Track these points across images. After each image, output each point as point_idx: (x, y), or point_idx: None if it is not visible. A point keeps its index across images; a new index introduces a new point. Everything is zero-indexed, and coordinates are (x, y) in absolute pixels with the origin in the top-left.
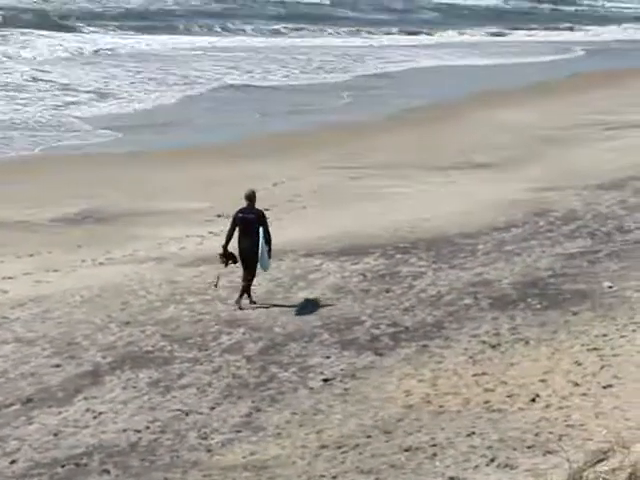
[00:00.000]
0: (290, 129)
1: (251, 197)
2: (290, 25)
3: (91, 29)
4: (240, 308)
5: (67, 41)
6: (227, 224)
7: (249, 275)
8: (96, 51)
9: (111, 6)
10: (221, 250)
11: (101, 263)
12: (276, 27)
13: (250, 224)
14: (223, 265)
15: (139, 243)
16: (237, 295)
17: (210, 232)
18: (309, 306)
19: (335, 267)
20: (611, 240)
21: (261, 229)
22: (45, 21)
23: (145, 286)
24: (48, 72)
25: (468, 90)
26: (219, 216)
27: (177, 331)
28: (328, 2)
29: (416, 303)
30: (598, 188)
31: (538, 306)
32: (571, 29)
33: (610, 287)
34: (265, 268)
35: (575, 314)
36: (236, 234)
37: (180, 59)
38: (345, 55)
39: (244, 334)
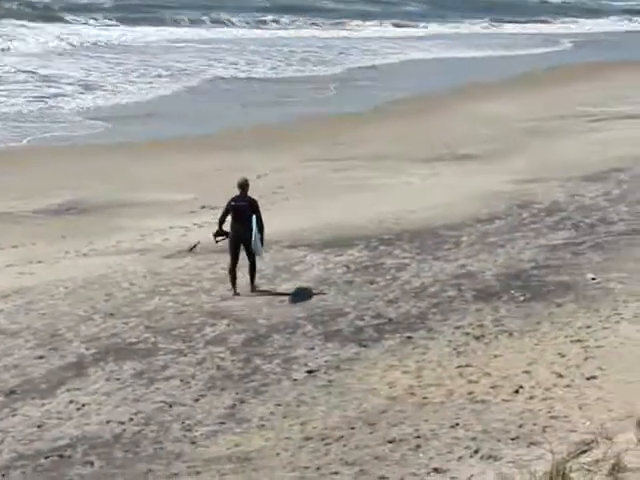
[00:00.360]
0: (275, 121)
1: (243, 185)
2: (275, 17)
3: (76, 19)
4: (253, 289)
5: (51, 33)
6: (212, 214)
7: (234, 262)
8: (81, 43)
9: None
10: (214, 233)
11: (85, 254)
12: (262, 18)
13: (242, 212)
14: (215, 242)
15: (123, 234)
16: (250, 285)
17: (194, 224)
18: (293, 297)
19: (319, 259)
20: (594, 232)
21: (254, 217)
22: (29, 11)
23: (129, 278)
24: (32, 64)
25: (453, 82)
26: (203, 207)
27: (161, 323)
28: None
29: (400, 295)
30: (582, 180)
31: (521, 298)
32: (559, 21)
33: (593, 279)
34: (258, 254)
35: (559, 306)
36: (228, 222)
37: (164, 51)
38: (330, 47)
39: (228, 326)
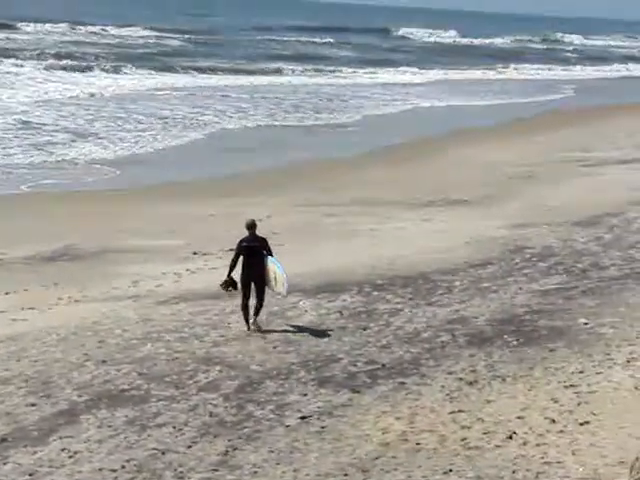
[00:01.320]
0: (268, 167)
1: (252, 226)
2: (275, 65)
3: (70, 66)
4: (259, 329)
5: (46, 82)
6: (204, 260)
7: (246, 300)
8: (78, 93)
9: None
10: (224, 279)
11: (77, 301)
12: (256, 65)
13: (255, 252)
14: (226, 291)
15: (116, 281)
16: (253, 317)
17: (187, 269)
18: (286, 343)
19: (312, 304)
20: (587, 277)
21: (268, 257)
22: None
23: (121, 324)
24: (28, 113)
25: (447, 128)
26: (195, 254)
27: (153, 369)
28: (320, 41)
29: (393, 340)
30: (574, 225)
31: (514, 343)
32: (561, 67)
33: (586, 324)
34: (284, 293)
35: (551, 351)
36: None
37: (159, 99)
38: (324, 94)
39: (221, 372)
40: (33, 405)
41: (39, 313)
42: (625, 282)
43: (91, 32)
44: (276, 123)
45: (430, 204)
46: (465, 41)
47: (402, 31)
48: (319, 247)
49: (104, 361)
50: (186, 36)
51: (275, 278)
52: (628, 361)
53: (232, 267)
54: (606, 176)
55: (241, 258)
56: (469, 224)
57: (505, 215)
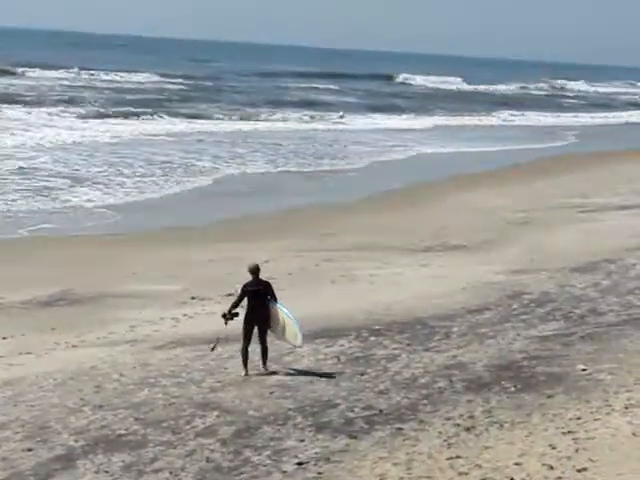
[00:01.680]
0: (267, 212)
1: (256, 270)
2: (276, 110)
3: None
4: (265, 370)
5: (45, 127)
6: (201, 305)
7: (247, 343)
8: (78, 139)
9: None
10: (224, 314)
11: (74, 346)
12: (256, 110)
13: (259, 296)
14: (224, 323)
15: (113, 325)
16: (263, 363)
17: (184, 314)
18: (283, 388)
19: (309, 349)
20: (585, 323)
21: (278, 305)
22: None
23: (118, 369)
24: (27, 158)
25: (446, 174)
26: (193, 298)
27: (150, 414)
28: (322, 86)
29: (390, 386)
30: (572, 270)
31: (512, 389)
32: (565, 113)
33: (584, 370)
34: (299, 343)
35: (549, 397)
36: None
37: (154, 145)
38: (321, 140)
39: (218, 417)
40: (30, 450)
41: (36, 358)
42: (623, 328)
43: (93, 78)
44: (277, 169)
45: (428, 249)
46: (469, 88)
47: (404, 77)
48: (317, 292)
49: (101, 406)
50: (187, 81)
51: (284, 327)
52: (626, 407)
53: (235, 305)
54: (604, 222)
55: (245, 300)
56: (467, 269)
57: (503, 260)
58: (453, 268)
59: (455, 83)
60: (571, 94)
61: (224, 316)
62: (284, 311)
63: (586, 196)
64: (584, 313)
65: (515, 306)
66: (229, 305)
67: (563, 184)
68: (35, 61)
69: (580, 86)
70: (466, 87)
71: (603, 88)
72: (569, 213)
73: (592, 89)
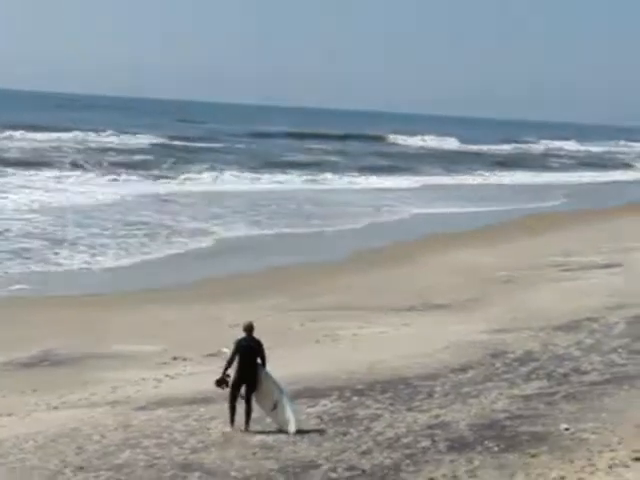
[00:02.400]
0: (250, 271)
1: (250, 328)
2: (267, 170)
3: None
4: (247, 430)
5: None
6: (182, 365)
7: (234, 400)
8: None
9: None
10: (220, 377)
11: (55, 407)
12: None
13: (250, 354)
14: (221, 388)
15: (94, 387)
16: (245, 425)
17: (166, 375)
18: (266, 449)
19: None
20: (568, 382)
21: (271, 380)
22: None
23: (100, 430)
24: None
25: (427, 233)
26: (175, 359)
27: (132, 476)
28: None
29: (373, 446)
30: (555, 329)
31: (496, 449)
32: (556, 173)
33: (567, 429)
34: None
35: (533, 456)
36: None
37: (130, 207)
38: (313, 200)
39: (200, 478)
40: None
41: (17, 419)
42: (606, 387)
43: (81, 139)
44: (263, 231)
45: (411, 309)
46: (464, 148)
47: (395, 138)
48: (299, 352)
49: (82, 467)
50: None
51: (276, 408)
52: (610, 467)
53: (229, 365)
54: (587, 280)
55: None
56: (450, 328)
57: (486, 319)
58: (436, 327)
59: (449, 144)
60: (563, 153)
61: (219, 382)
62: (280, 389)
63: (569, 254)
64: (567, 372)
65: (498, 365)
66: (223, 367)
67: (546, 242)
68: (35, 123)
69: (573, 146)
70: (462, 147)
71: (597, 147)
72: (552, 272)
73: (584, 148)
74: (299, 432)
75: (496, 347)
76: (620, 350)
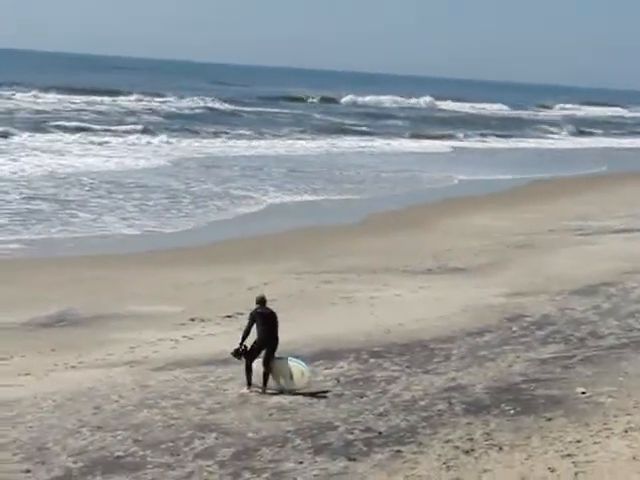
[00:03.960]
0: (267, 233)
1: (263, 299)
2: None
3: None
4: (265, 391)
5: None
6: (201, 326)
7: (251, 362)
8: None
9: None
10: (237, 347)
11: (73, 367)
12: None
13: (269, 319)
14: (237, 358)
15: (112, 347)
16: (263, 386)
17: (184, 336)
18: (282, 410)
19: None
20: (584, 345)
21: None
22: None
23: (117, 390)
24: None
25: (443, 197)
26: (192, 320)
27: (149, 436)
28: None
29: (390, 408)
30: (572, 293)
31: (512, 412)
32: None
33: (583, 393)
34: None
35: (549, 420)
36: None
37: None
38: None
39: (217, 439)
40: (28, 471)
41: (35, 379)
42: (623, 351)
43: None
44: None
45: (428, 272)
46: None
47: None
48: (316, 314)
49: (99, 427)
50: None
51: (290, 374)
52: (626, 431)
53: (246, 335)
54: (603, 245)
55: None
56: (467, 292)
57: (503, 283)
58: (453, 290)
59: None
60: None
61: (236, 353)
62: (292, 361)
63: (584, 219)
64: (584, 336)
65: (515, 329)
66: (240, 338)
67: (562, 207)
68: (77, 86)
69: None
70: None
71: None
72: (568, 236)
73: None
74: (316, 396)
75: (513, 311)
76: (637, 314)
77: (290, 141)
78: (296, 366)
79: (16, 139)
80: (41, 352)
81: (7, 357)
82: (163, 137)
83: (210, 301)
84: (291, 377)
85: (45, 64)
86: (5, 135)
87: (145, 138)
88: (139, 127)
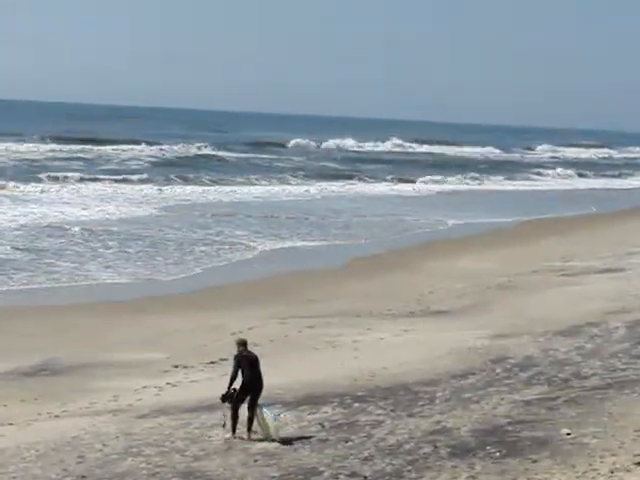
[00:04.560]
0: (248, 279)
1: (245, 342)
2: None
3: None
4: (249, 438)
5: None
6: (184, 373)
7: (237, 408)
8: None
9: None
10: (225, 392)
11: (57, 416)
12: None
13: (254, 362)
14: (227, 404)
15: (96, 395)
16: (248, 432)
17: (168, 383)
18: (267, 456)
19: (292, 416)
20: (568, 386)
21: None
22: None
23: (101, 439)
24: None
25: (425, 240)
26: (176, 367)
27: None
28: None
29: (375, 452)
30: (555, 334)
31: (497, 454)
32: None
33: (568, 434)
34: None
35: (534, 462)
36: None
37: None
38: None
39: None
40: None
41: (18, 429)
42: (607, 392)
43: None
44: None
45: (411, 315)
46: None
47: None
48: (300, 359)
49: (84, 477)
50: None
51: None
52: (612, 472)
53: (233, 379)
54: (586, 285)
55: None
56: (450, 334)
57: (486, 325)
58: (436, 333)
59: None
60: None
61: (225, 397)
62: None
63: (568, 259)
64: (568, 377)
65: (499, 370)
66: (227, 383)
67: (545, 248)
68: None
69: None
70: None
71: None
72: (551, 277)
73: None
74: (300, 441)
75: (497, 352)
76: (621, 355)
77: (273, 187)
78: (267, 415)
79: None
80: (24, 401)
81: None
82: (149, 185)
83: (194, 347)
84: (266, 425)
85: (42, 114)
86: None
87: (127, 186)
88: (120, 177)
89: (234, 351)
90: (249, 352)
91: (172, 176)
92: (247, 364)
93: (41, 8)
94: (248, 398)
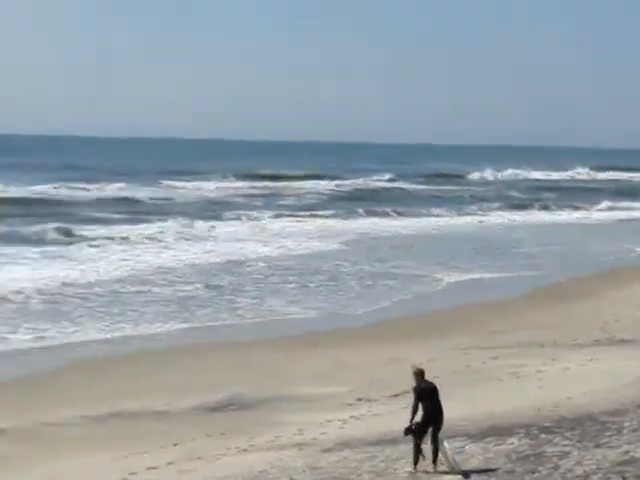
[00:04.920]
0: (423, 312)
1: (422, 372)
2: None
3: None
4: (435, 469)
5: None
6: (368, 406)
7: (420, 440)
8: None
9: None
10: (407, 425)
11: (244, 450)
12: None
13: (432, 393)
14: (411, 436)
15: (281, 429)
16: (433, 464)
17: (351, 416)
18: None
19: (478, 448)
20: None
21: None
22: None
23: (289, 473)
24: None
25: (601, 268)
26: (359, 400)
27: None
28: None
29: None
30: None
31: None
32: None
33: None
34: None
35: None
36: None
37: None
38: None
39: None
40: None
41: (206, 463)
42: None
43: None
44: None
45: (595, 343)
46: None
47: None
48: (484, 390)
49: None
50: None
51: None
52: None
53: (414, 412)
54: None
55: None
56: (635, 363)
57: None
58: (622, 362)
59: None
60: None
61: (408, 431)
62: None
63: None
64: None
65: None
66: (409, 416)
67: None
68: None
69: None
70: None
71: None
72: None
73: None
74: (486, 474)
75: None
76: None
77: (450, 217)
78: (447, 448)
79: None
80: (211, 436)
81: (178, 442)
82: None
83: (375, 380)
84: (447, 459)
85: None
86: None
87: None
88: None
89: (413, 382)
90: (427, 382)
91: (358, 209)
92: (426, 395)
93: None
94: (430, 430)
